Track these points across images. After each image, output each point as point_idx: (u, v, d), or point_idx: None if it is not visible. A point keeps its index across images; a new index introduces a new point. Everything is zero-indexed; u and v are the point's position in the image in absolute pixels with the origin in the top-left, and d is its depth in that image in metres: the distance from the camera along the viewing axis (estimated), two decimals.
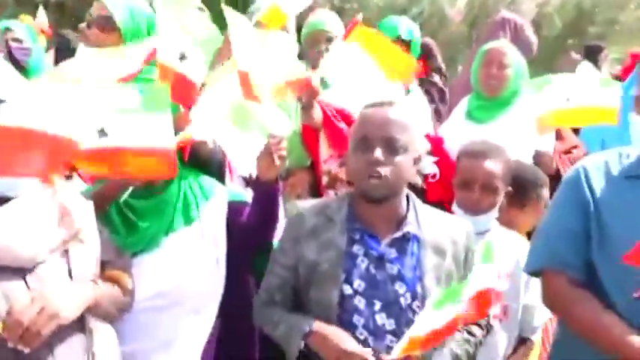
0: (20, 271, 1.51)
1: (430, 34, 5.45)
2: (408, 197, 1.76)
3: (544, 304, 1.68)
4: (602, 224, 1.53)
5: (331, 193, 2.51)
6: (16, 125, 1.49)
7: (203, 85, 2.12)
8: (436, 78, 3.82)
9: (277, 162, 1.90)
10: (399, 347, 1.55)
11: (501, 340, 2.02)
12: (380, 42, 2.56)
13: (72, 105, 1.64)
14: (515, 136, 2.68)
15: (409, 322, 1.61)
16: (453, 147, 2.54)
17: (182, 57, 2.02)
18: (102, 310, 1.62)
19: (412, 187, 1.81)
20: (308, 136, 2.53)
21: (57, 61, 3.73)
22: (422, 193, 2.29)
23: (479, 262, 1.58)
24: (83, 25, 2.92)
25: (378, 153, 1.64)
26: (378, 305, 1.66)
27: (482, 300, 1.59)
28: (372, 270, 1.68)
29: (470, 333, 1.74)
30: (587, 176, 1.58)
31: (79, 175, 2.16)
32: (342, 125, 2.46)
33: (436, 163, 2.49)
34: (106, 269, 1.69)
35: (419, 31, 3.15)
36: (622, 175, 1.56)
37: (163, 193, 1.95)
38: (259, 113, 2.10)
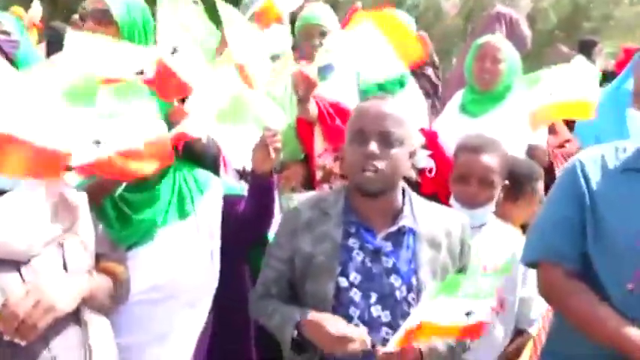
0: (15, 264, 1.51)
1: (425, 28, 5.45)
2: (403, 191, 1.76)
3: (540, 296, 1.70)
4: (598, 217, 1.54)
5: (326, 187, 2.51)
6: (6, 132, 1.50)
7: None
8: (429, 71, 3.82)
9: (272, 155, 1.90)
10: (395, 340, 1.56)
11: (498, 333, 2.03)
12: (390, 22, 2.56)
13: (66, 120, 1.65)
14: (509, 130, 2.70)
15: (405, 315, 1.62)
16: (446, 141, 2.55)
17: (174, 51, 2.00)
18: (97, 302, 1.62)
19: (406, 180, 1.81)
20: (302, 129, 2.53)
21: (49, 54, 3.70)
22: (416, 187, 2.29)
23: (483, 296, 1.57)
24: (76, 16, 2.89)
25: (374, 146, 1.65)
26: (373, 298, 1.66)
27: (474, 329, 1.61)
28: (368, 263, 1.68)
29: None
30: (583, 169, 1.58)
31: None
32: (337, 120, 2.46)
33: (430, 157, 2.49)
34: (100, 262, 1.68)
35: (414, 24, 3.15)
36: (618, 168, 1.57)
37: (158, 186, 1.94)
38: (254, 106, 2.10)
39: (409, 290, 1.67)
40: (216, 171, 2.12)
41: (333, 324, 1.59)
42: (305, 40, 2.91)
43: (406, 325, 1.55)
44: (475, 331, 1.61)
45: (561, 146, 3.20)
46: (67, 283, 1.54)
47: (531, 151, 2.84)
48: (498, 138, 2.22)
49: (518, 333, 2.11)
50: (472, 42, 3.22)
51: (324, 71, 2.57)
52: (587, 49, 5.54)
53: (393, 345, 1.56)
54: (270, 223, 2.01)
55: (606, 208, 1.54)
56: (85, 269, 1.62)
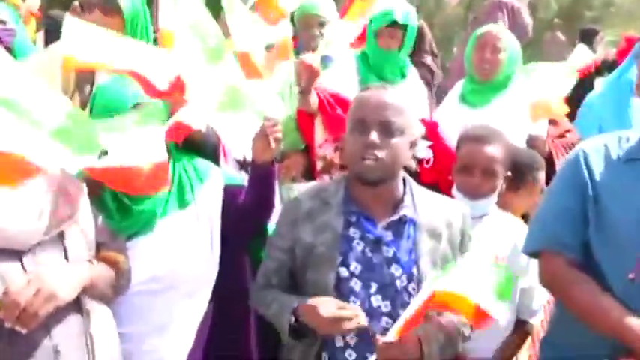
0: (16, 253, 1.51)
1: (427, 17, 5.43)
2: (404, 180, 1.76)
3: (542, 285, 1.70)
4: (601, 207, 1.54)
5: (326, 178, 2.51)
6: None
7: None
8: (428, 59, 3.80)
9: (272, 145, 1.89)
10: (395, 329, 1.56)
11: (499, 323, 2.03)
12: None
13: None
14: (509, 120, 2.69)
15: (405, 304, 1.62)
16: (447, 131, 2.54)
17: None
18: (98, 290, 1.63)
19: (406, 170, 1.81)
20: (303, 121, 2.52)
21: (47, 43, 3.68)
22: (416, 177, 2.29)
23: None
24: (76, 2, 2.87)
25: (374, 136, 1.65)
26: (374, 287, 1.67)
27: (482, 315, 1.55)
28: (369, 253, 1.68)
29: None
30: (586, 159, 1.58)
31: None
32: (338, 110, 2.45)
33: (430, 147, 2.49)
34: (101, 251, 1.68)
35: (416, 14, 3.13)
36: (621, 158, 1.57)
37: None
38: (254, 96, 2.09)
39: (409, 280, 1.67)
40: (216, 161, 2.12)
41: (326, 306, 1.59)
42: (304, 29, 2.90)
43: (406, 315, 1.55)
44: (482, 318, 1.57)
45: (561, 136, 3.20)
46: (68, 271, 1.54)
47: (531, 142, 2.83)
48: (499, 128, 2.21)
49: (520, 324, 2.11)
50: (473, 31, 3.21)
51: (324, 61, 2.56)
52: (588, 37, 5.52)
53: (392, 335, 1.56)
54: (271, 213, 2.01)
55: (609, 198, 1.54)
56: (86, 258, 1.62)
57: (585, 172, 1.57)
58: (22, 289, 1.44)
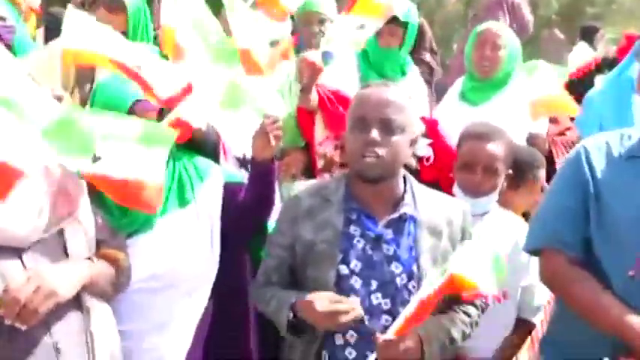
0: (16, 251, 1.51)
1: (427, 14, 5.42)
2: (405, 178, 1.76)
3: (542, 283, 1.70)
4: (602, 204, 1.54)
5: (327, 176, 2.50)
6: None
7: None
8: (427, 56, 3.80)
9: (272, 142, 1.89)
10: (395, 327, 1.56)
11: (499, 322, 2.03)
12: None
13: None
14: (509, 118, 2.68)
15: (405, 302, 1.62)
16: (446, 129, 2.54)
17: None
18: (98, 288, 1.63)
19: (406, 168, 1.81)
20: (303, 118, 2.52)
21: (47, 40, 3.67)
22: (416, 175, 2.29)
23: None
24: (77, 0, 2.86)
25: (375, 133, 1.65)
26: (374, 285, 1.67)
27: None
28: (369, 250, 1.68)
29: (466, 313, 1.75)
30: (587, 156, 1.58)
31: None
32: (339, 107, 2.44)
33: (430, 145, 2.48)
34: (101, 248, 1.68)
35: (416, 12, 3.12)
36: (623, 155, 1.57)
37: None
38: (254, 93, 2.09)
39: (410, 278, 1.67)
40: (216, 159, 2.12)
41: (321, 301, 1.58)
42: (304, 26, 2.89)
43: (406, 313, 1.55)
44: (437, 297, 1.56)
45: (561, 134, 3.19)
46: (68, 269, 1.54)
47: (531, 140, 2.83)
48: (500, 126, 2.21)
49: (520, 323, 2.10)
50: (473, 28, 3.20)
51: (324, 57, 2.56)
52: (588, 35, 5.51)
53: (392, 333, 1.56)
54: (271, 211, 2.01)
55: (610, 195, 1.54)
56: (86, 255, 1.62)
57: (587, 169, 1.57)
58: (22, 287, 1.44)
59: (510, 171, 2.12)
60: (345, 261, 1.67)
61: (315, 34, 2.83)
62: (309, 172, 2.56)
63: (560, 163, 2.87)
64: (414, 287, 1.66)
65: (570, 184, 1.60)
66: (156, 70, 1.87)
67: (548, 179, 2.29)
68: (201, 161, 2.02)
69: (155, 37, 2.67)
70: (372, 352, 1.58)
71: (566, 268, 1.57)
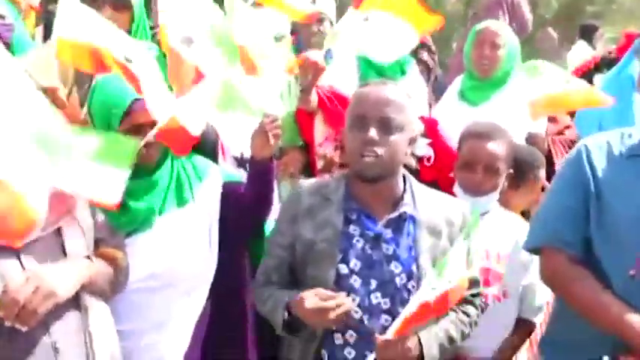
0: (15, 251, 1.50)
1: None
2: (404, 177, 1.75)
3: (542, 282, 1.70)
4: (603, 203, 1.54)
5: (326, 176, 2.49)
6: None
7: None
8: (424, 56, 3.80)
9: (271, 141, 1.88)
10: (394, 328, 1.56)
11: (499, 321, 2.03)
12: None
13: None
14: (508, 117, 2.67)
15: (404, 302, 1.62)
16: (446, 128, 2.53)
17: (188, 42, 1.97)
18: (97, 287, 1.62)
19: (406, 167, 1.81)
20: (303, 119, 2.51)
21: (46, 38, 3.67)
22: (416, 175, 2.28)
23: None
24: None
25: (373, 132, 1.65)
26: (373, 285, 1.66)
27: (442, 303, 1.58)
28: (368, 250, 1.68)
29: (465, 313, 1.75)
30: (588, 155, 1.58)
31: None
32: (339, 106, 2.44)
33: (429, 144, 2.48)
34: (99, 247, 1.68)
35: None
36: (624, 154, 1.57)
37: (156, 173, 1.93)
38: (252, 92, 2.08)
39: (409, 277, 1.67)
40: (214, 158, 2.11)
41: (311, 299, 1.58)
42: (303, 26, 2.88)
43: (405, 313, 1.55)
44: (443, 304, 1.57)
45: (560, 133, 3.19)
46: (67, 268, 1.54)
47: (531, 139, 2.83)
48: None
49: (520, 323, 2.09)
50: (473, 27, 3.19)
51: (325, 56, 2.55)
52: (588, 34, 5.51)
53: (392, 333, 1.56)
54: (270, 210, 2.01)
55: (611, 194, 1.54)
56: (84, 255, 1.61)
57: (588, 168, 1.57)
58: (21, 287, 1.44)
59: (511, 170, 2.12)
60: (345, 260, 1.67)
61: (314, 34, 2.83)
62: (308, 171, 2.56)
63: (559, 162, 2.87)
64: (413, 287, 1.66)
65: (571, 184, 1.60)
66: (150, 77, 1.84)
67: (547, 179, 2.29)
68: (200, 161, 2.01)
69: (153, 36, 2.67)
70: (372, 351, 1.58)
71: (567, 266, 1.57)
